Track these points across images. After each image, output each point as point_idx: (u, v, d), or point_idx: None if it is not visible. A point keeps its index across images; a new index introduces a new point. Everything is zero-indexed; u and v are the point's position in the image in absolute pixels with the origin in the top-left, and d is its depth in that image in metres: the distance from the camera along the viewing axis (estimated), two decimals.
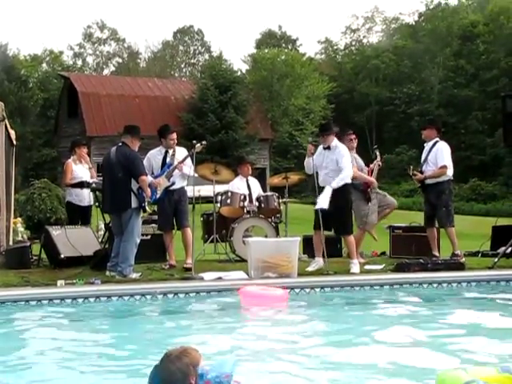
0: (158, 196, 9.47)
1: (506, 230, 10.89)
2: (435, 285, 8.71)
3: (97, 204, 10.80)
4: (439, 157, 9.95)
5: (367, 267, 9.67)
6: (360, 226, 10.31)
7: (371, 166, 10.63)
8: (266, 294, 7.62)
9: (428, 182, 10.06)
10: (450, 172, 10.00)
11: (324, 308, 7.80)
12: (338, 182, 9.24)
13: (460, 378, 3.55)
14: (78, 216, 10.82)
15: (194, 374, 3.35)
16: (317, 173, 9.49)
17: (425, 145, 10.25)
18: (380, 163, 10.75)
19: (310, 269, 9.34)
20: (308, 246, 10.34)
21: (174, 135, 9.81)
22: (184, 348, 3.44)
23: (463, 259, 9.79)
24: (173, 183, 9.58)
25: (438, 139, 10.11)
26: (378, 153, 10.90)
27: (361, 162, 10.45)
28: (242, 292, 7.68)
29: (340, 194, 9.30)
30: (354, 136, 10.48)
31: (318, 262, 9.42)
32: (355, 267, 9.26)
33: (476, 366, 4.08)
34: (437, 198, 9.94)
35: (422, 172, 10.10)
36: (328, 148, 9.42)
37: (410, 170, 10.36)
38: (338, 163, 9.32)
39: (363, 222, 10.28)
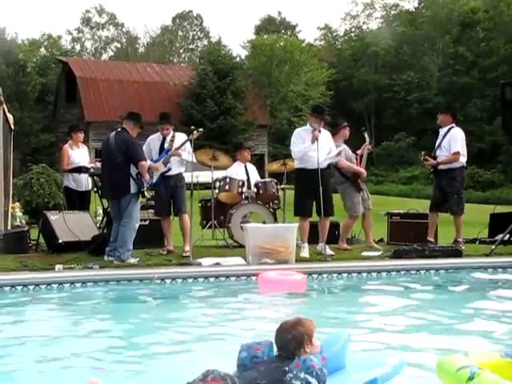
0: (154, 181, 9.45)
1: (503, 218, 10.92)
2: (433, 271, 8.73)
3: (95, 189, 10.82)
4: (453, 143, 9.93)
5: (365, 253, 9.70)
6: (353, 214, 10.27)
7: (359, 151, 10.59)
8: (284, 279, 7.65)
9: (441, 167, 10.02)
10: (463, 159, 9.96)
11: (323, 294, 7.83)
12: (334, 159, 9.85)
13: (456, 362, 3.56)
14: (77, 201, 10.85)
15: (309, 342, 3.57)
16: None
17: (440, 130, 10.23)
18: (369, 147, 10.69)
19: (306, 255, 9.38)
20: None
21: (166, 126, 9.76)
22: (299, 318, 3.68)
23: (463, 247, 9.83)
24: (169, 169, 9.57)
25: (453, 125, 10.09)
26: (366, 136, 10.81)
27: (350, 153, 10.41)
28: (260, 278, 7.71)
29: (326, 175, 9.48)
30: (348, 129, 10.53)
31: (306, 247, 9.53)
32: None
33: (478, 351, 4.09)
34: (449, 185, 9.91)
35: (435, 157, 10.08)
36: (315, 130, 9.48)
37: (421, 155, 10.33)
38: (332, 148, 9.69)
39: (356, 210, 10.24)
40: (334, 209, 9.84)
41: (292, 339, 3.56)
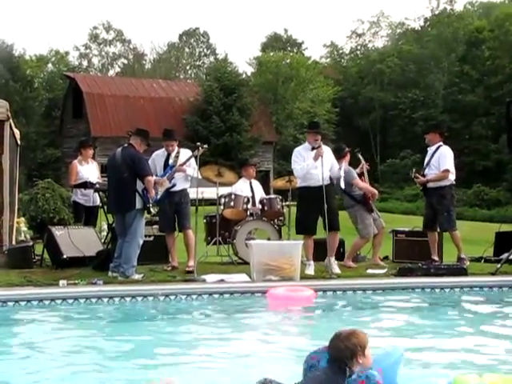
0: (158, 197, 9.45)
1: (509, 236, 10.86)
2: (437, 290, 8.69)
3: (100, 205, 10.83)
4: (442, 161, 9.98)
5: (370, 271, 9.67)
6: (366, 236, 10.27)
7: (358, 170, 10.60)
8: (293, 295, 7.65)
9: (430, 185, 10.08)
10: (452, 176, 10.03)
11: (327, 311, 7.79)
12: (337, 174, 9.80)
13: (470, 381, 3.54)
14: (83, 216, 10.88)
15: (362, 353, 3.65)
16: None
17: (428, 149, 10.29)
18: (367, 166, 10.75)
19: (311, 272, 9.35)
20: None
21: (171, 142, 9.78)
22: (353, 330, 3.78)
23: (467, 263, 9.80)
24: (173, 185, 9.58)
25: (441, 143, 10.16)
26: (360, 156, 10.87)
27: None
28: (270, 294, 7.70)
29: (329, 190, 9.43)
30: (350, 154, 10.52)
31: (312, 265, 9.49)
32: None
33: (494, 373, 4.05)
34: (438, 203, 9.95)
35: (424, 175, 10.12)
36: (319, 147, 9.45)
37: (412, 172, 10.39)
38: (333, 163, 9.66)
39: (368, 232, 10.23)
40: (340, 226, 9.82)
41: (346, 349, 3.65)
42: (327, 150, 9.70)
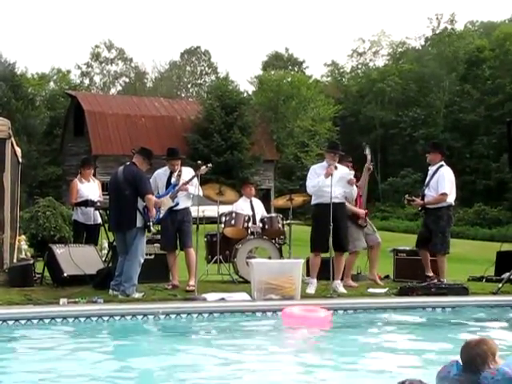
0: (161, 216, 9.45)
1: (510, 256, 10.84)
2: (439, 309, 8.67)
3: (101, 223, 10.82)
4: (440, 183, 9.91)
5: (370, 290, 9.64)
6: (352, 250, 10.20)
7: (360, 182, 10.34)
8: (309, 315, 7.64)
9: (428, 206, 10.03)
10: (450, 198, 9.93)
11: (328, 331, 7.77)
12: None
13: None
14: (83, 235, 10.85)
15: (493, 359, 3.76)
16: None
17: (429, 168, 10.24)
18: (370, 166, 10.31)
19: (312, 291, 9.32)
20: None
21: (176, 162, 9.78)
22: (482, 338, 3.95)
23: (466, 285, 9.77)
24: (177, 204, 9.58)
25: (442, 163, 10.09)
26: (368, 151, 10.38)
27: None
28: (284, 313, 7.68)
29: (340, 209, 9.42)
30: (351, 164, 10.38)
31: (314, 284, 9.45)
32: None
33: None
34: (434, 223, 9.90)
35: (424, 195, 10.07)
36: (335, 167, 9.44)
37: (404, 199, 10.35)
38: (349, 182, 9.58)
39: (355, 246, 10.19)
40: None
41: (477, 356, 3.76)
42: (343, 170, 9.66)
